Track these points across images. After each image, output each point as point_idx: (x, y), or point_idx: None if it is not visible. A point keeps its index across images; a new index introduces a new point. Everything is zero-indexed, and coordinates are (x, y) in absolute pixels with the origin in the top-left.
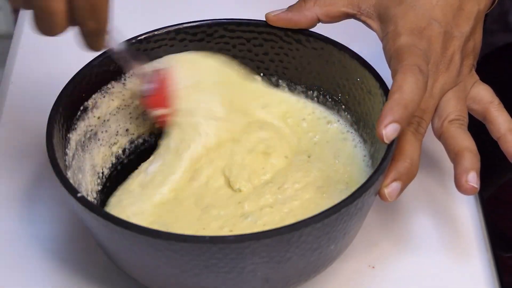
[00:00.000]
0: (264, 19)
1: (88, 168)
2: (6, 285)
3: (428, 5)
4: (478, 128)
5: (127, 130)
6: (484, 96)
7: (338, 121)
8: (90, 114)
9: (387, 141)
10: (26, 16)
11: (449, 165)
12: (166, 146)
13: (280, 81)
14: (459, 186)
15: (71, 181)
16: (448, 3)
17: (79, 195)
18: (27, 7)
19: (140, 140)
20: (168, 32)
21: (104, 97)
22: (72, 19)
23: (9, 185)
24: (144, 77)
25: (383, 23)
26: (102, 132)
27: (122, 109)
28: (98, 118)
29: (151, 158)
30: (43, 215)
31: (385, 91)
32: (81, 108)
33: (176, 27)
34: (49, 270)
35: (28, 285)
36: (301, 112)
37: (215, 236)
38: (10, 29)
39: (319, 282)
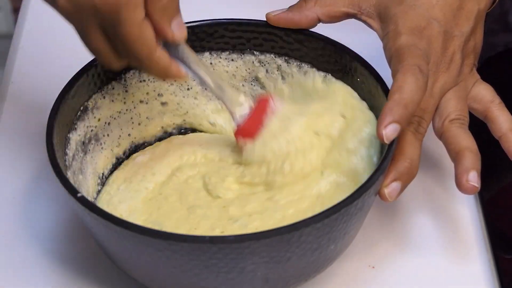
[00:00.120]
0: (265, 19)
1: (90, 171)
2: (6, 285)
3: (428, 4)
4: (479, 127)
5: (129, 134)
6: (485, 95)
7: None
8: (90, 115)
9: (387, 141)
10: (26, 16)
11: (449, 165)
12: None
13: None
14: (460, 185)
15: (71, 181)
16: (448, 3)
17: (79, 195)
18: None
19: (141, 141)
20: None
21: (104, 97)
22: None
23: (9, 185)
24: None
25: (383, 22)
26: (104, 135)
27: (124, 113)
28: (99, 120)
29: (145, 150)
30: (43, 215)
31: (385, 91)
32: (81, 108)
33: None
34: (49, 270)
35: (28, 285)
36: None
37: (215, 236)
38: (10, 29)
39: (319, 282)
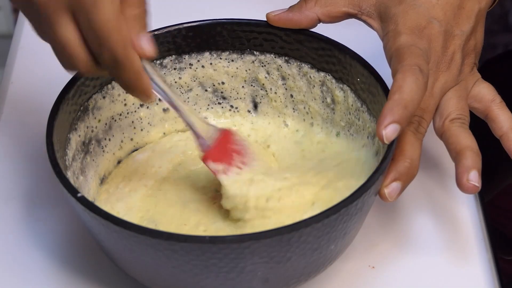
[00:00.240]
0: (265, 19)
1: (92, 174)
2: (6, 285)
3: (428, 4)
4: (479, 127)
5: (131, 139)
6: (485, 94)
7: None
8: (90, 115)
9: (387, 141)
10: None
11: (449, 165)
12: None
13: (280, 80)
14: (461, 184)
15: (71, 181)
16: (448, 2)
17: (79, 195)
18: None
19: (143, 145)
20: (168, 32)
21: (104, 98)
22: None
23: (9, 185)
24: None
25: (383, 22)
26: (105, 139)
27: (126, 117)
28: (99, 121)
29: (145, 148)
30: (43, 215)
31: (385, 91)
32: (81, 108)
33: (176, 27)
34: (49, 270)
35: (28, 285)
36: None
37: (215, 236)
38: (10, 29)
39: (319, 282)
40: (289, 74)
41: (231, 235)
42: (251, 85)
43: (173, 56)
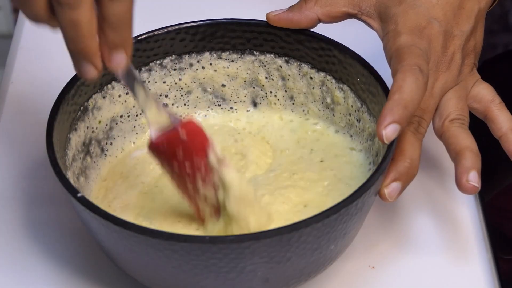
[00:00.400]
0: (265, 19)
1: (94, 176)
2: (6, 285)
3: (428, 4)
4: (479, 128)
5: (133, 143)
6: (485, 95)
7: None
8: (90, 115)
9: (387, 141)
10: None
11: (449, 165)
12: None
13: (280, 81)
14: (460, 185)
15: (71, 181)
16: (448, 2)
17: (79, 195)
18: (52, 23)
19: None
20: (168, 32)
21: (104, 98)
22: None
23: (9, 184)
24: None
25: (383, 22)
26: (107, 143)
27: (128, 120)
28: (99, 121)
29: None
30: (43, 214)
31: (385, 91)
32: (81, 108)
33: (176, 27)
34: (49, 270)
35: (28, 285)
36: None
37: (215, 236)
38: (10, 29)
39: (319, 282)
40: (289, 75)
41: (231, 235)
42: (252, 87)
43: (173, 56)
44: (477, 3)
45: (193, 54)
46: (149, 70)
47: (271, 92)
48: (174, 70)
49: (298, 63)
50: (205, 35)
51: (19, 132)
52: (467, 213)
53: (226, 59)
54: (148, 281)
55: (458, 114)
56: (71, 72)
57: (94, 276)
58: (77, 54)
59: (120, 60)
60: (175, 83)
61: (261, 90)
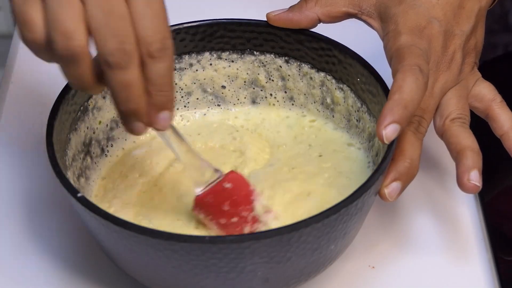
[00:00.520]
0: (265, 19)
1: (95, 177)
2: (6, 285)
3: (428, 3)
4: (480, 127)
5: (134, 141)
6: (486, 93)
7: None
8: (90, 115)
9: (387, 141)
10: None
11: (449, 165)
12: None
13: (280, 81)
14: (461, 184)
15: (71, 181)
16: (448, 2)
17: (79, 195)
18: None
19: None
20: None
21: (104, 98)
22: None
23: (9, 185)
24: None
25: (383, 22)
26: (108, 145)
27: None
28: (100, 122)
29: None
30: (43, 215)
31: (385, 91)
32: (81, 108)
33: (176, 27)
34: (49, 270)
35: (28, 285)
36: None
37: (215, 236)
38: (10, 29)
39: (319, 282)
40: (289, 75)
41: (231, 235)
42: (252, 87)
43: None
44: (477, 2)
45: (193, 54)
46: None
47: (271, 94)
48: (174, 70)
49: (298, 63)
50: (205, 35)
51: (19, 132)
52: (467, 213)
53: (226, 59)
54: (148, 281)
55: (459, 114)
56: None
57: (94, 276)
58: (128, 115)
59: (165, 120)
60: (175, 84)
61: (261, 90)
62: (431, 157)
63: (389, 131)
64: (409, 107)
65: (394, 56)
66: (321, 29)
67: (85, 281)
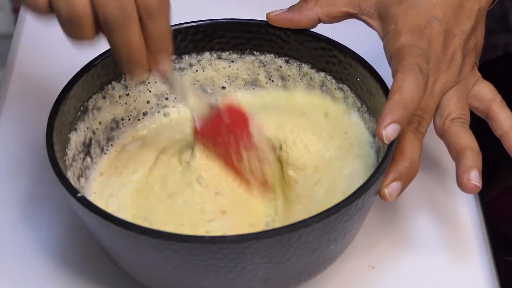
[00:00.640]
0: (265, 19)
1: (95, 176)
2: (6, 285)
3: (428, 3)
4: (480, 127)
5: (133, 136)
6: (486, 93)
7: None
8: (90, 115)
9: (387, 141)
10: (26, 16)
11: (449, 165)
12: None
13: (280, 81)
14: (461, 184)
15: (71, 181)
16: (448, 2)
17: (79, 195)
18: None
19: None
20: None
21: (104, 98)
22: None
23: (8, 185)
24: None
25: (383, 22)
26: (107, 144)
27: (131, 123)
28: (100, 122)
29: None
30: (43, 215)
31: (385, 91)
32: (81, 108)
33: (176, 27)
34: (49, 270)
35: (28, 285)
36: None
37: (215, 236)
38: (10, 29)
39: (319, 282)
40: (289, 75)
41: (231, 235)
42: (252, 88)
43: (173, 56)
44: (477, 2)
45: (193, 54)
46: (150, 70)
47: (270, 93)
48: (174, 70)
49: (298, 63)
50: (205, 35)
51: (19, 132)
52: (467, 213)
53: (226, 59)
54: (148, 281)
55: (459, 113)
56: (71, 72)
57: (94, 276)
58: (131, 66)
59: (165, 63)
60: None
61: (261, 91)
62: (431, 157)
63: (389, 131)
64: (409, 107)
65: (394, 56)
66: (321, 29)
67: (85, 281)
